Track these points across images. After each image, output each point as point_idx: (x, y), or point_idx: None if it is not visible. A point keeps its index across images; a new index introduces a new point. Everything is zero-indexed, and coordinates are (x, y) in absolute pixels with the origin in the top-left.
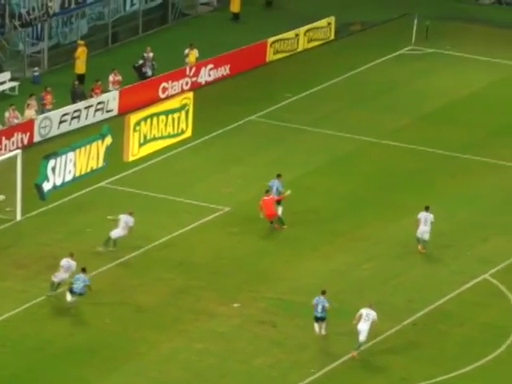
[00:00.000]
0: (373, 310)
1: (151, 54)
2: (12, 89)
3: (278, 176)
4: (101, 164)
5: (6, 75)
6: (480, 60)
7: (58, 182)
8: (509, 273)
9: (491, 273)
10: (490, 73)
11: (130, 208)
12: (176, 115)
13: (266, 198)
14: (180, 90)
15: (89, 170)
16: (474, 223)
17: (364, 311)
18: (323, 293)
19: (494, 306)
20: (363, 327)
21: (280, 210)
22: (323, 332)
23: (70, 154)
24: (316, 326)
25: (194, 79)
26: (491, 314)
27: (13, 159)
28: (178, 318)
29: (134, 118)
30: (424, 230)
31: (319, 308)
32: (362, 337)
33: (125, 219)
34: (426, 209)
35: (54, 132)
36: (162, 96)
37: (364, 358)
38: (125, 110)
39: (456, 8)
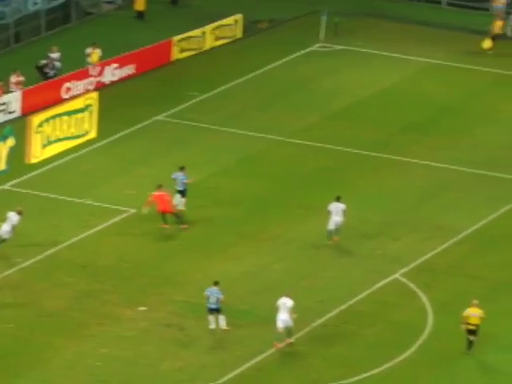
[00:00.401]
0: (290, 299)
1: (56, 54)
2: None
3: (182, 168)
4: (3, 167)
5: None
6: (391, 56)
7: None
8: (419, 272)
9: (402, 272)
10: (400, 69)
11: (32, 210)
12: (79, 116)
13: (156, 193)
14: (84, 90)
15: None
16: (385, 222)
17: (281, 301)
18: (216, 284)
19: (405, 306)
20: (282, 317)
21: (183, 202)
22: (224, 327)
23: None
24: (211, 318)
25: (98, 79)
26: (402, 313)
27: None
28: (83, 323)
29: (36, 119)
30: (336, 221)
31: (212, 299)
32: (287, 324)
33: (11, 216)
34: (337, 199)
35: None
36: (66, 96)
37: (274, 359)
38: (28, 111)
39: (367, 4)
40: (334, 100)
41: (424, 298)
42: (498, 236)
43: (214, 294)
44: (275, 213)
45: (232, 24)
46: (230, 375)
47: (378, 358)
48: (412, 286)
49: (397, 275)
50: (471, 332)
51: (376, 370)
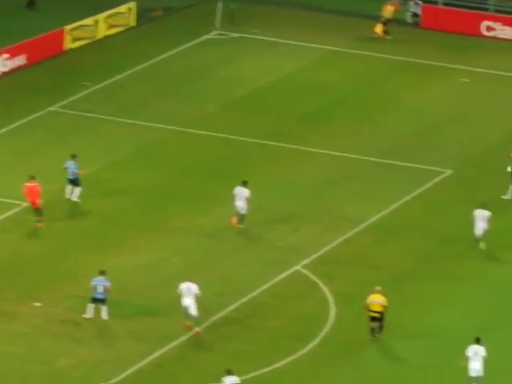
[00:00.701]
0: (193, 284)
1: None
2: None
3: (73, 156)
4: None
5: None
6: (288, 44)
7: None
8: (321, 263)
9: (303, 263)
10: (298, 57)
11: None
12: None
13: (28, 184)
14: None
15: None
16: (286, 213)
17: (184, 286)
18: (102, 273)
19: (307, 298)
20: (186, 302)
21: (77, 193)
22: (105, 317)
23: None
24: (91, 307)
25: None
26: (304, 305)
27: None
28: None
29: None
30: (239, 206)
31: (100, 289)
32: (193, 311)
33: None
34: (243, 184)
35: None
36: None
37: (173, 355)
38: None
39: None
40: (232, 89)
41: (326, 290)
42: (400, 226)
43: (100, 283)
44: (174, 205)
45: (125, 12)
46: (128, 371)
47: (280, 351)
48: (313, 277)
49: (298, 267)
50: (374, 319)
51: (278, 364)
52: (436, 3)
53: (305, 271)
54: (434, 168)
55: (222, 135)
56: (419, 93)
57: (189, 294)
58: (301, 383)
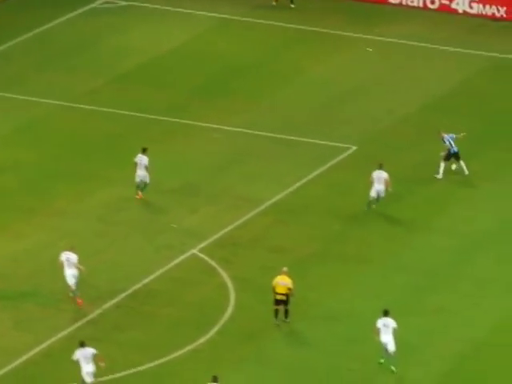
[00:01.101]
0: (74, 254)
1: None
2: None
3: None
4: None
5: None
6: (181, 12)
7: None
8: (219, 247)
9: (200, 247)
10: (191, 27)
11: None
12: None
13: None
14: None
15: None
16: (180, 193)
17: (64, 256)
18: None
19: (205, 284)
20: (70, 272)
21: None
22: None
23: None
24: None
25: None
26: (202, 291)
27: None
28: None
29: None
30: (141, 175)
31: None
32: (70, 282)
33: None
34: (143, 151)
35: None
36: None
37: (62, 344)
38: None
39: None
40: (120, 61)
41: (225, 275)
42: (302, 206)
43: None
44: (60, 185)
45: None
46: (16, 362)
47: (178, 340)
48: (211, 262)
49: (194, 250)
50: (279, 302)
51: (176, 354)
52: None
53: (202, 255)
54: (338, 144)
55: (111, 110)
56: (322, 64)
57: (70, 265)
58: (200, 374)
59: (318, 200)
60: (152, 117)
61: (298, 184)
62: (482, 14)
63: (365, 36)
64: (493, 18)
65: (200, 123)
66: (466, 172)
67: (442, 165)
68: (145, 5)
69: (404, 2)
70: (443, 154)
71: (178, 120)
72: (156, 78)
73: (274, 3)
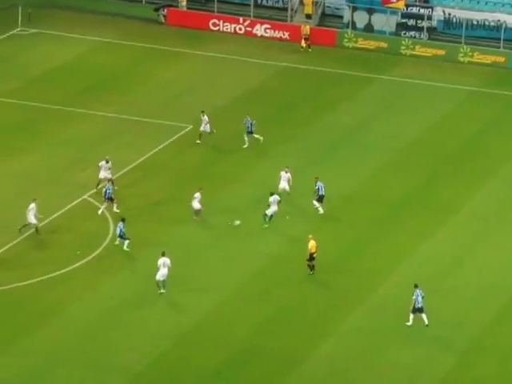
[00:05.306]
0: None
1: None
2: None
3: None
4: None
5: None
6: (71, 37)
7: None
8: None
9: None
10: (79, 46)
11: None
12: None
13: None
14: None
15: None
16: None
17: None
18: None
19: (93, 219)
20: None
21: None
22: None
23: None
24: None
25: None
26: (90, 225)
27: None
28: None
29: None
30: None
31: None
32: None
33: None
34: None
35: None
36: None
37: None
38: None
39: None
40: (31, 70)
41: (107, 213)
42: (155, 166)
43: None
44: None
45: None
46: None
47: (70, 259)
48: (98, 203)
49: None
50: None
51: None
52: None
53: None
54: (179, 124)
55: (23, 102)
56: (166, 71)
57: None
58: (89, 282)
59: (166, 162)
60: (49, 106)
61: (153, 151)
62: (272, 36)
63: (196, 52)
64: (279, 39)
65: (85, 111)
66: (261, 139)
67: (246, 138)
68: (48, 32)
69: (221, 29)
70: (246, 132)
71: (72, 109)
72: (56, 81)
73: (306, 48)
